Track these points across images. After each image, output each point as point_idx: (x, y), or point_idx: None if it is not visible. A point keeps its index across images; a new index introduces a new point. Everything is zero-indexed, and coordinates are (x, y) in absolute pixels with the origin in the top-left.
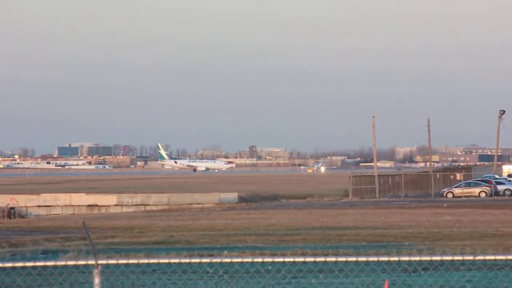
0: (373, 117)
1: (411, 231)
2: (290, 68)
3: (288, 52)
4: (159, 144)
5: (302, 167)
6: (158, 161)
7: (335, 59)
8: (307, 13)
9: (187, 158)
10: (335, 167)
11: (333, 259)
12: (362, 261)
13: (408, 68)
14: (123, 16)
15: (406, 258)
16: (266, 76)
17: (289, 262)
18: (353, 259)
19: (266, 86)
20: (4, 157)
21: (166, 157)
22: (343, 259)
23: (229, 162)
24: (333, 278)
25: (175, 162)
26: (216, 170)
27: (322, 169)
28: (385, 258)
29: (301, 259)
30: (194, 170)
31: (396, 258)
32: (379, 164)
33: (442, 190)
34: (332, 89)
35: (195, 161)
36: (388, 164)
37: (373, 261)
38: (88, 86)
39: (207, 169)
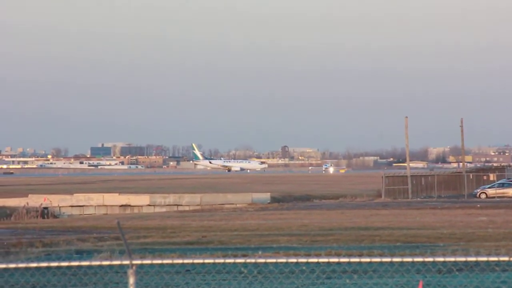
0: (406, 117)
1: (445, 231)
2: (321, 68)
3: (319, 52)
4: (193, 145)
5: (310, 168)
6: (193, 161)
7: (368, 58)
8: (336, 12)
9: (221, 158)
10: (347, 169)
11: (367, 259)
12: (396, 262)
13: (441, 67)
14: (154, 17)
15: (441, 259)
16: (298, 76)
17: (323, 262)
18: (388, 259)
19: (298, 86)
20: (38, 157)
21: (200, 157)
22: (377, 259)
23: (262, 163)
24: (367, 278)
25: (210, 162)
26: (248, 171)
27: (331, 169)
28: (420, 259)
29: (335, 260)
30: (229, 170)
31: (430, 259)
32: (412, 164)
33: (475, 191)
34: (365, 88)
35: (229, 161)
36: (420, 164)
37: (407, 262)
38: (121, 87)
39: (242, 169)
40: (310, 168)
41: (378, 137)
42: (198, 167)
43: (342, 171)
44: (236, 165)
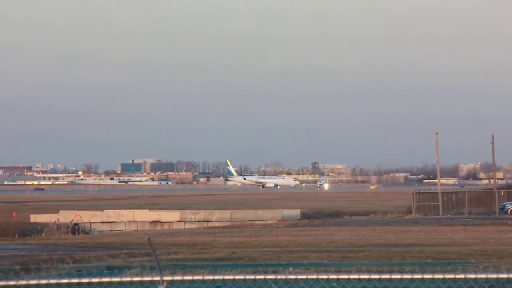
0: (437, 133)
1: (476, 248)
2: (352, 87)
3: (350, 71)
4: (227, 161)
5: (304, 184)
6: (227, 178)
7: (398, 76)
8: (373, 30)
9: (255, 174)
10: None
11: (398, 276)
12: (427, 279)
13: (471, 84)
14: (181, 34)
15: (472, 276)
16: (328, 94)
17: (354, 279)
18: (419, 276)
19: (329, 104)
20: (68, 173)
21: (234, 173)
22: (408, 276)
23: (295, 179)
24: None
25: (244, 179)
26: (278, 187)
27: (326, 186)
28: (451, 276)
29: (366, 276)
30: (263, 186)
31: (462, 276)
32: (443, 181)
33: (503, 204)
34: (396, 105)
35: (263, 178)
36: (451, 181)
37: (438, 279)
38: (151, 103)
39: (276, 185)
40: (304, 184)
41: (408, 154)
42: (230, 183)
43: (373, 187)
44: (270, 181)
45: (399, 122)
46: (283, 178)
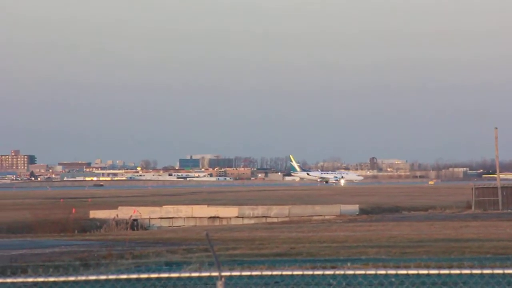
0: (496, 128)
1: None
2: (411, 81)
3: (414, 65)
4: (291, 156)
5: (319, 180)
6: (291, 173)
7: (459, 70)
8: (429, 27)
9: (319, 170)
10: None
11: (457, 271)
12: (487, 274)
13: None
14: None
15: None
16: (387, 89)
17: (412, 274)
18: (478, 271)
19: (385, 99)
20: (127, 169)
21: (298, 169)
22: (467, 271)
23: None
24: None
25: (308, 174)
26: (336, 182)
27: (342, 181)
28: (510, 271)
29: (424, 271)
30: (326, 182)
31: None
32: (502, 175)
33: None
34: (454, 100)
35: (327, 173)
36: (511, 175)
37: (498, 274)
38: (208, 99)
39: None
40: (319, 180)
41: (467, 148)
42: (288, 178)
43: (431, 182)
44: (333, 177)
45: (459, 116)
46: (346, 173)
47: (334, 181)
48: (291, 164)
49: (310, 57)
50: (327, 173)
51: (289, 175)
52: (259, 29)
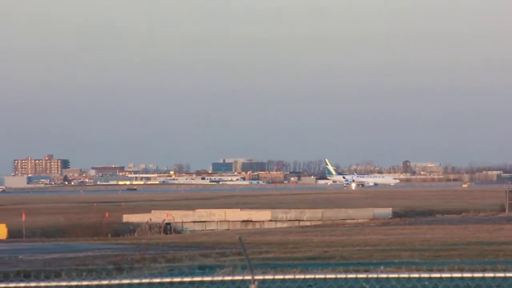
0: None
1: None
2: (444, 83)
3: (445, 67)
4: (326, 160)
5: (329, 183)
6: (327, 176)
7: (490, 72)
8: (453, 26)
9: (354, 173)
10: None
11: (491, 274)
12: None
13: None
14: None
15: None
16: (421, 92)
17: (446, 277)
18: None
19: (420, 101)
20: (160, 173)
21: (333, 172)
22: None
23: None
24: None
25: (343, 178)
26: (347, 186)
27: (353, 185)
28: None
29: (458, 275)
30: (362, 185)
31: None
32: None
33: None
34: (488, 102)
35: (363, 177)
36: None
37: None
38: (241, 103)
39: (376, 184)
40: (329, 183)
41: (501, 151)
42: (321, 182)
43: (465, 185)
44: (369, 180)
45: (492, 119)
46: (382, 177)
47: (345, 184)
48: (326, 168)
49: (344, 60)
50: (362, 177)
51: (323, 178)
52: (294, 32)
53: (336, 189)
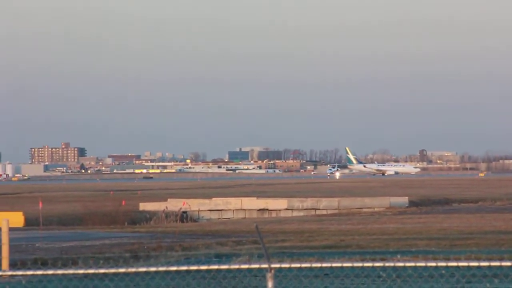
0: None
1: None
2: (460, 72)
3: (458, 55)
4: (347, 149)
5: (313, 173)
6: (347, 165)
7: (507, 60)
8: (480, 17)
9: (375, 162)
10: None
11: (508, 263)
12: None
13: None
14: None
15: None
16: (437, 80)
17: (463, 266)
18: None
19: (438, 90)
20: (176, 161)
21: (354, 161)
22: None
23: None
24: (508, 283)
25: (364, 166)
26: (331, 175)
27: (337, 174)
28: None
29: (475, 264)
30: (383, 174)
31: None
32: None
33: None
34: (505, 90)
35: (384, 165)
36: None
37: None
38: (257, 91)
39: (396, 173)
40: (312, 172)
41: None
42: (346, 171)
43: (482, 174)
44: (390, 169)
45: (508, 107)
46: (403, 166)
47: (328, 174)
48: (347, 156)
49: (358, 49)
50: (383, 165)
51: (344, 167)
52: (304, 20)
53: (321, 178)
